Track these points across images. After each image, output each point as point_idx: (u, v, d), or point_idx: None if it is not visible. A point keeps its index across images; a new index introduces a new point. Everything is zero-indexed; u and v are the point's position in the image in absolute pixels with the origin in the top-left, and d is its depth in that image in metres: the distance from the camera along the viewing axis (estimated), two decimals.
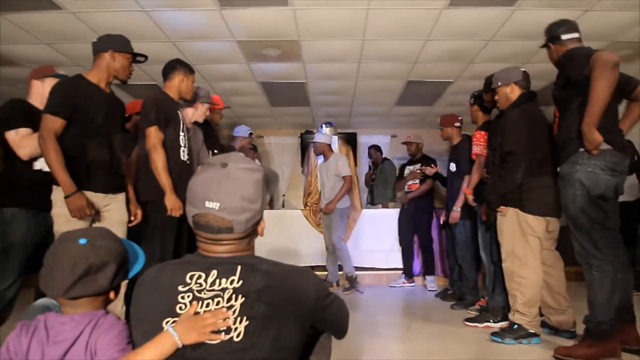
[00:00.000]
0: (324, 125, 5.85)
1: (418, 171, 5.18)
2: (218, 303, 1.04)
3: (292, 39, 4.48)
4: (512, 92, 3.02)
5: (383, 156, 6.82)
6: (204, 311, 1.04)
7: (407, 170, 5.42)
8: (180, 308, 1.05)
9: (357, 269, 5.66)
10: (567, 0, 3.75)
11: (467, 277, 4.17)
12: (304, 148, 8.25)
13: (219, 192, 1.09)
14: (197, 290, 1.06)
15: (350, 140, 7.85)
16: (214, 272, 1.08)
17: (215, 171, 1.12)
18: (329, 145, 5.28)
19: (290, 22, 4.13)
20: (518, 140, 2.81)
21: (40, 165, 2.59)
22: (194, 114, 3.43)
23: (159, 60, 4.92)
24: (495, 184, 2.90)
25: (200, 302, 1.05)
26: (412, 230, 5.35)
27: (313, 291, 1.13)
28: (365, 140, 8.63)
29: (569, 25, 2.69)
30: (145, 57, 2.75)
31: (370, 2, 3.76)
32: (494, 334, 2.92)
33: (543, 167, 2.81)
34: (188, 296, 1.06)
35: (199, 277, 1.08)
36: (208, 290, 1.06)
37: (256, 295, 1.05)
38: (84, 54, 4.82)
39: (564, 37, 2.64)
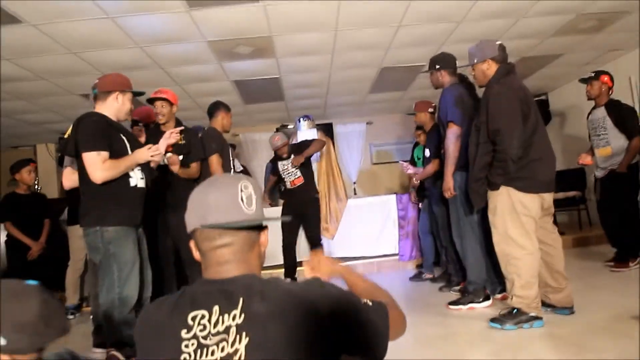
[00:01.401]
0: (301, 119, 5.78)
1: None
2: (223, 349, 0.95)
3: (264, 34, 4.41)
4: (489, 69, 2.91)
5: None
6: None
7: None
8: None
9: (347, 259, 5.69)
10: None
11: (453, 258, 4.18)
12: None
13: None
14: (201, 336, 0.98)
15: (326, 130, 7.83)
16: (216, 308, 0.98)
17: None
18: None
19: (262, 18, 4.05)
20: (503, 116, 2.70)
21: (135, 181, 2.69)
22: None
23: (127, 67, 4.84)
24: (489, 166, 2.78)
25: (205, 350, 0.97)
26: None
27: (325, 306, 1.01)
28: (341, 130, 8.65)
29: None
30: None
31: None
32: (493, 320, 2.80)
33: (533, 140, 2.72)
34: (192, 344, 0.97)
35: (202, 317, 0.99)
36: (213, 335, 0.97)
37: (262, 330, 0.95)
38: (50, 67, 4.65)
39: None
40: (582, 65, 6.55)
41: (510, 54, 5.63)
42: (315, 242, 4.82)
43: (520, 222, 2.72)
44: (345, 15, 4.15)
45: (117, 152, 2.60)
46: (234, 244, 1.06)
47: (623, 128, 4.08)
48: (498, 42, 2.95)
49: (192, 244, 1.11)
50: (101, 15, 3.71)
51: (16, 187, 4.64)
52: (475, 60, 2.98)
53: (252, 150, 8.41)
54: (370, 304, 1.09)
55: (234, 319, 0.97)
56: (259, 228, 1.12)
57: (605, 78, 4.20)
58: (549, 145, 2.86)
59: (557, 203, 5.80)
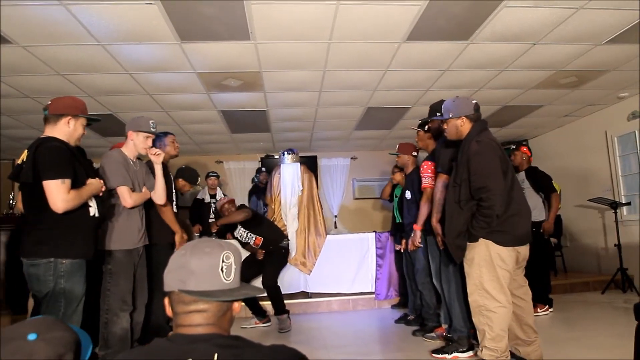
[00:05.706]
0: (285, 153, 5.79)
1: None
2: None
3: (253, 70, 4.48)
4: (463, 126, 2.96)
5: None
6: None
7: None
8: None
9: (323, 295, 5.65)
10: (517, 35, 3.93)
11: (428, 303, 4.19)
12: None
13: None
14: None
15: (310, 163, 7.90)
16: None
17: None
18: None
19: (252, 55, 4.12)
20: (488, 174, 2.73)
21: (93, 211, 2.59)
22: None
23: (114, 91, 4.86)
24: (474, 222, 2.78)
25: None
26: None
27: None
28: (325, 163, 8.72)
29: None
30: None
31: (332, 37, 3.82)
32: None
33: (512, 196, 2.77)
34: None
35: None
36: None
37: None
38: (36, 87, 4.64)
39: None
40: (561, 117, 6.76)
41: (493, 102, 5.87)
42: (268, 289, 4.59)
43: (495, 275, 2.73)
44: (334, 57, 4.25)
45: (78, 181, 2.46)
46: (208, 311, 1.10)
47: (540, 189, 4.82)
48: (474, 101, 3.00)
49: (166, 301, 1.14)
50: (92, 42, 3.73)
51: None
52: (450, 115, 3.02)
53: (237, 178, 8.41)
54: None
55: None
56: None
57: (524, 149, 4.96)
58: (525, 199, 2.91)
59: None
